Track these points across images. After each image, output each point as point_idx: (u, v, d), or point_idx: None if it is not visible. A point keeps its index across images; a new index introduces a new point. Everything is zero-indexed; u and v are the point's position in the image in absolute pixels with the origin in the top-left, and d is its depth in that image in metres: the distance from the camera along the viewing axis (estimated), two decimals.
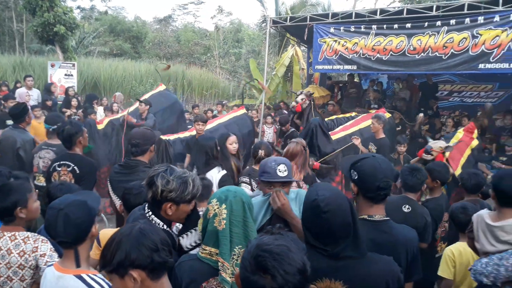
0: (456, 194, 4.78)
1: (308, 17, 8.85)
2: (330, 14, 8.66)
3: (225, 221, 1.68)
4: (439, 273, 2.82)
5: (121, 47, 26.01)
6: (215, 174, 3.77)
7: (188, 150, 5.57)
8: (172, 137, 6.01)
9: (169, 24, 33.68)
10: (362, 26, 7.99)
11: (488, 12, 6.78)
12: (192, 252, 1.98)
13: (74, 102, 9.03)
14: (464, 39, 6.92)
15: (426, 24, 7.32)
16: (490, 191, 2.29)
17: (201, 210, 2.09)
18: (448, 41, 7.07)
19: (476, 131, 5.70)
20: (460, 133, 5.61)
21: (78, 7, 30.76)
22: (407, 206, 3.13)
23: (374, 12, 8.00)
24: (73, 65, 12.49)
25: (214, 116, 8.67)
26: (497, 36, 6.60)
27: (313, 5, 19.30)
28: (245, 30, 28.18)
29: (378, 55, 7.79)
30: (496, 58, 6.64)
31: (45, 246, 2.12)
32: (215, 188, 3.46)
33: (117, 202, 3.12)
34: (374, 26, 7.81)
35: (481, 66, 6.82)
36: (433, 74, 9.75)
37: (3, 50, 20.71)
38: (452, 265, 2.77)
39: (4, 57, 16.44)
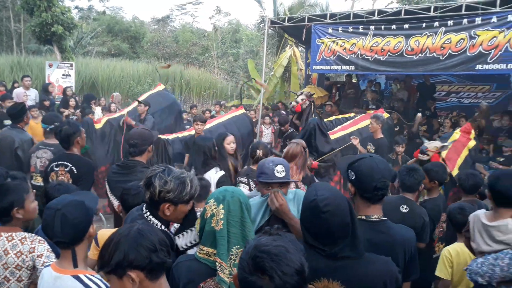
0: (453, 194, 4.80)
1: (306, 17, 8.87)
2: (328, 15, 8.68)
3: (222, 221, 1.68)
4: (437, 273, 2.83)
5: (119, 47, 25.98)
6: (213, 175, 3.78)
7: (187, 149, 5.57)
8: (171, 136, 6.01)
9: (167, 24, 33.63)
10: (360, 27, 8.01)
11: (485, 13, 6.80)
12: (189, 252, 1.98)
13: (72, 102, 9.01)
14: (462, 40, 6.95)
15: (424, 25, 7.34)
16: (486, 191, 2.30)
17: (199, 210, 2.09)
18: (445, 42, 7.09)
19: (473, 132, 5.71)
20: (457, 134, 5.62)
21: (76, 7, 30.73)
22: (404, 206, 3.13)
23: (372, 13, 8.02)
24: (71, 65, 12.46)
25: (212, 117, 8.67)
26: (495, 37, 6.62)
27: (311, 6, 19.34)
28: (243, 31, 28.16)
29: (376, 55, 7.81)
30: (493, 59, 6.66)
31: (42, 247, 2.11)
32: (213, 188, 3.47)
33: (115, 203, 3.11)
34: (372, 27, 7.83)
35: (478, 67, 6.84)
36: (431, 74, 9.79)
37: (1, 50, 20.69)
38: (449, 265, 2.78)
39: (1, 57, 16.42)
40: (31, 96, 8.69)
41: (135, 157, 3.20)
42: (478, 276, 1.99)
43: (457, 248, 2.78)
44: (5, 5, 24.21)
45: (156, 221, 1.89)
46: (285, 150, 3.28)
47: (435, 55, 7.22)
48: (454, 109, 11.01)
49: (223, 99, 18.23)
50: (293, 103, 6.98)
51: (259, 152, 3.76)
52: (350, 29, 8.09)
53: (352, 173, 1.90)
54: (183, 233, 1.98)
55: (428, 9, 7.46)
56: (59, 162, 3.40)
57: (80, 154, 3.60)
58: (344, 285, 1.55)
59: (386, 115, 7.05)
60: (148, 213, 1.91)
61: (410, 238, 1.92)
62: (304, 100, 6.75)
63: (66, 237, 1.69)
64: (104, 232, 2.59)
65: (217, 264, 1.64)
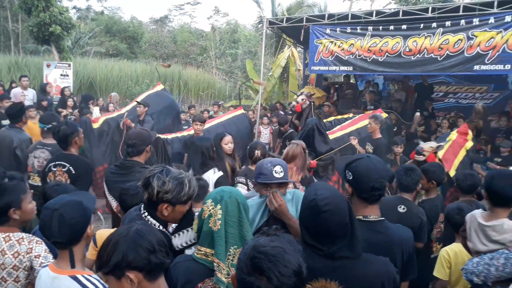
0: (450, 194, 4.81)
1: (305, 18, 8.87)
2: (326, 15, 8.67)
3: (220, 221, 1.68)
4: (435, 273, 2.84)
5: (117, 48, 25.91)
6: (211, 175, 3.77)
7: (186, 149, 5.57)
8: (170, 136, 6.01)
9: (166, 24, 33.61)
10: (358, 28, 8.02)
11: (483, 14, 6.82)
12: (187, 252, 1.98)
13: (70, 102, 8.99)
14: (460, 41, 6.96)
15: (421, 25, 7.35)
16: (483, 191, 2.31)
17: (196, 210, 2.09)
18: (443, 43, 7.11)
19: (470, 133, 5.72)
20: (453, 135, 5.63)
21: (74, 7, 30.66)
22: (402, 206, 3.14)
23: (370, 14, 8.03)
24: (69, 65, 12.43)
25: (210, 117, 8.67)
26: (492, 38, 6.64)
27: (310, 6, 19.38)
28: (242, 31, 28.14)
29: (374, 56, 7.82)
30: (491, 60, 6.68)
31: (40, 247, 2.11)
32: (211, 189, 3.46)
33: (113, 203, 3.11)
34: (370, 28, 7.84)
35: (476, 67, 6.86)
36: (429, 75, 9.81)
37: None
38: (447, 266, 2.79)
39: None
40: (28, 96, 8.65)
41: (133, 157, 3.20)
42: (474, 275, 2.00)
43: (455, 249, 2.79)
44: (2, 5, 24.14)
45: (154, 222, 1.89)
46: (285, 151, 3.28)
47: (433, 56, 7.24)
48: (452, 110, 11.04)
49: (221, 100, 18.22)
50: (293, 102, 6.98)
51: (257, 153, 3.77)
52: (348, 30, 8.10)
53: (350, 173, 1.90)
54: (179, 233, 1.98)
55: (426, 10, 7.48)
56: (57, 162, 3.39)
57: (78, 154, 3.59)
58: (342, 286, 1.55)
59: (384, 115, 7.07)
60: (146, 214, 1.91)
61: (407, 238, 1.93)
62: (304, 100, 6.76)
63: (63, 237, 1.69)
64: (103, 232, 2.59)
65: (215, 264, 1.64)
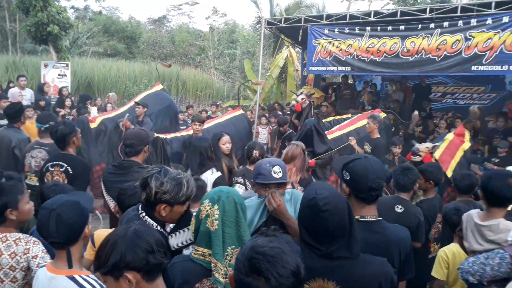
0: (447, 194, 4.82)
1: (303, 18, 8.88)
2: (324, 16, 8.68)
3: (217, 221, 1.68)
4: (433, 273, 2.85)
5: (115, 47, 25.88)
6: (209, 176, 3.77)
7: (185, 149, 5.56)
8: (169, 136, 6.00)
9: (164, 24, 33.59)
10: (356, 28, 8.03)
11: (480, 15, 6.84)
12: (185, 252, 1.97)
13: (68, 102, 8.99)
14: (457, 41, 6.98)
15: (419, 26, 7.37)
16: (479, 192, 2.32)
17: (194, 211, 2.09)
18: (441, 43, 7.12)
19: (467, 134, 5.73)
20: (450, 136, 5.64)
21: (72, 7, 30.60)
22: (399, 206, 3.15)
23: (368, 14, 8.04)
24: (67, 65, 12.41)
25: (208, 117, 8.66)
26: (490, 38, 6.66)
27: (308, 7, 19.41)
28: (240, 31, 28.16)
29: (372, 56, 7.83)
30: (488, 61, 6.70)
31: (37, 248, 2.10)
32: (209, 189, 3.46)
33: (111, 203, 3.10)
34: (368, 28, 7.85)
35: (473, 68, 6.88)
36: (427, 76, 9.82)
37: None
38: (445, 266, 2.79)
39: None
40: (26, 96, 8.64)
41: (131, 157, 3.19)
42: (469, 275, 2.01)
43: (453, 249, 2.80)
44: (0, 4, 24.06)
45: (152, 222, 1.89)
46: (284, 152, 3.29)
47: (431, 56, 7.25)
48: (449, 110, 11.06)
49: (219, 100, 18.21)
50: (293, 102, 6.99)
51: (256, 153, 3.77)
52: (346, 30, 8.11)
53: (347, 173, 1.91)
54: (176, 233, 1.98)
55: (424, 11, 7.50)
56: (54, 162, 3.38)
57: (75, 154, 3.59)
58: (339, 286, 1.56)
59: (383, 115, 7.09)
60: (144, 214, 1.91)
61: (405, 238, 1.93)
62: (304, 99, 6.76)
63: (61, 237, 1.69)
64: (101, 233, 2.58)
65: (212, 264, 1.64)
